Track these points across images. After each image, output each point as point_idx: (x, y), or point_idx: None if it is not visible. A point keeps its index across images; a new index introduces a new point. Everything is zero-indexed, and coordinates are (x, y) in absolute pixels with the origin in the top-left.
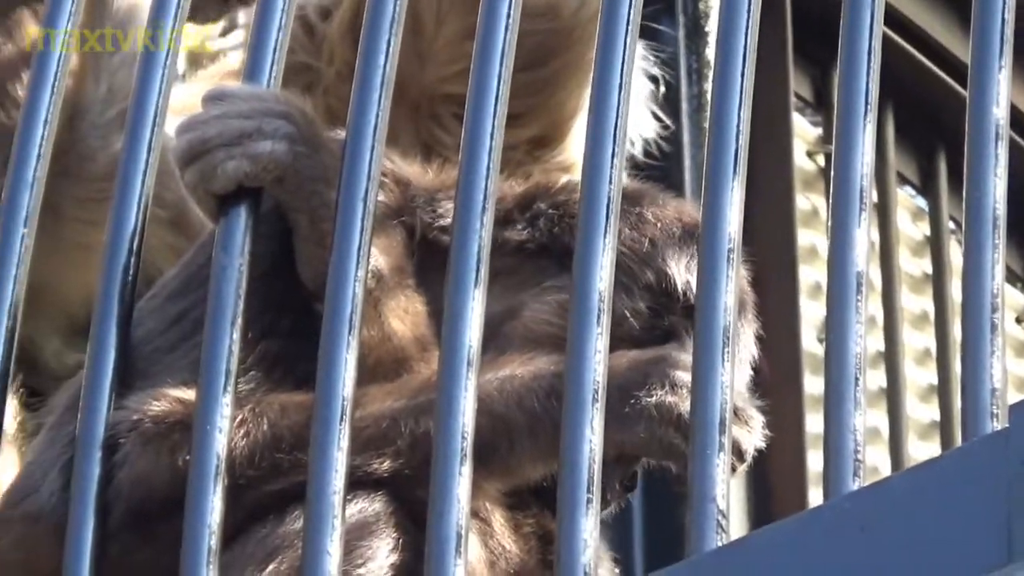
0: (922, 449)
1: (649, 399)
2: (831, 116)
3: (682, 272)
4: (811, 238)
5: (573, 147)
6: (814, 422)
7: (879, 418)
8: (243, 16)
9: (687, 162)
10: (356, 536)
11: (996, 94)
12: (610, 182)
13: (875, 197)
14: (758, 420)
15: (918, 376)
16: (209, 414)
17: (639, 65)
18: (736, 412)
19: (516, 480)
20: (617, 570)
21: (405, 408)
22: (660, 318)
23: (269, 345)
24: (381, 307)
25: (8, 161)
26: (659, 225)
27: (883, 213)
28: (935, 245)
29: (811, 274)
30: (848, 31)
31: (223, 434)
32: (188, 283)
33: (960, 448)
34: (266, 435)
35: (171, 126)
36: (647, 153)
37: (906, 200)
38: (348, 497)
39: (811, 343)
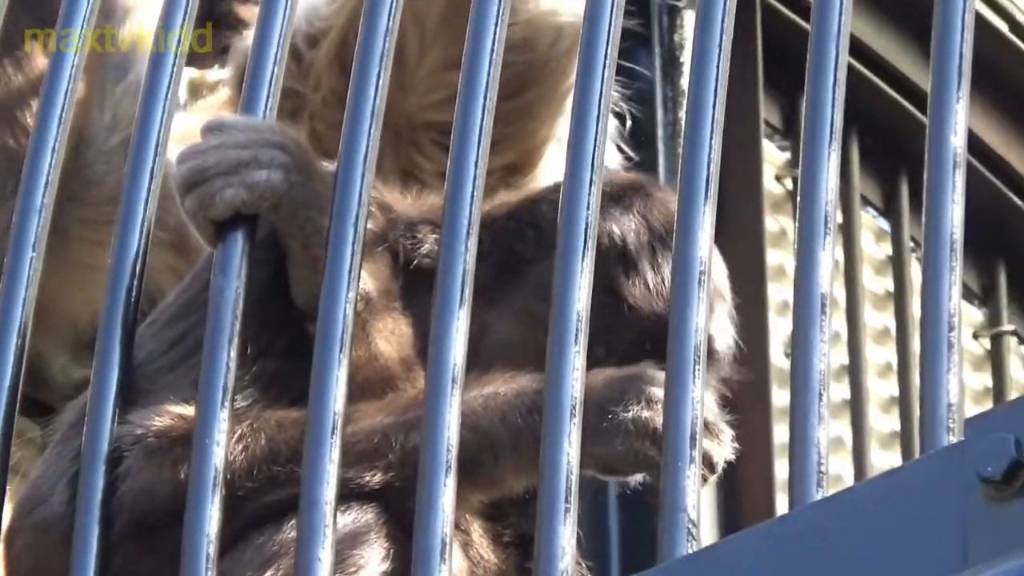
0: (884, 458)
1: (626, 414)
2: (799, 142)
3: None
4: (779, 258)
5: (544, 174)
6: (781, 432)
7: (843, 428)
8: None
9: None
10: (349, 545)
11: (954, 124)
12: (587, 208)
13: (840, 218)
14: (728, 434)
15: (880, 388)
16: (208, 429)
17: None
18: (707, 426)
19: (500, 491)
20: None
21: (395, 424)
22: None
23: (265, 364)
24: (369, 329)
25: (18, 185)
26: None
27: (848, 234)
28: (897, 264)
29: (779, 292)
30: (815, 63)
31: (221, 448)
32: (187, 307)
33: (918, 460)
34: (264, 449)
35: (172, 154)
36: None
37: (870, 221)
38: (341, 508)
39: (779, 358)
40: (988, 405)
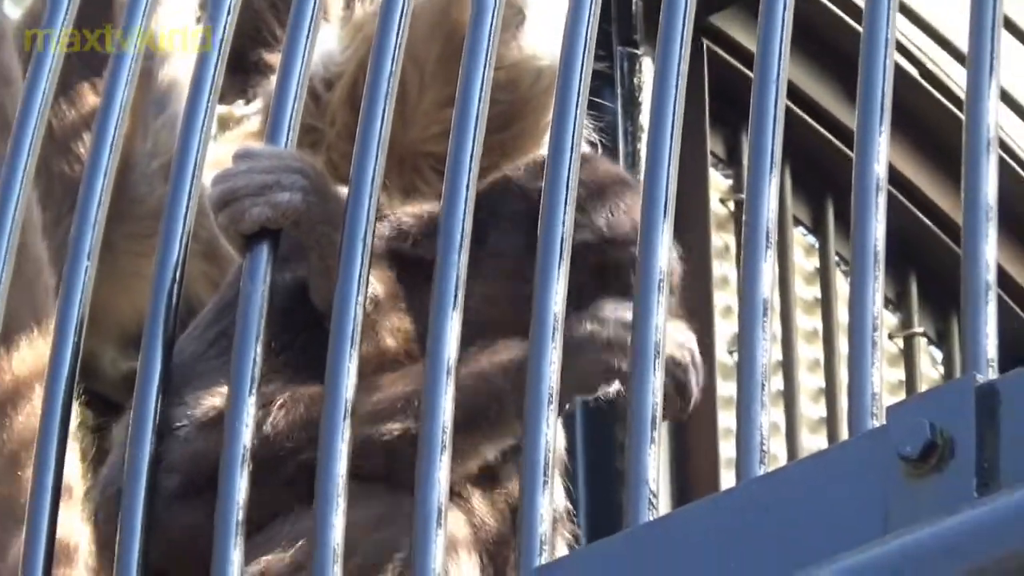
0: (812, 441)
1: (585, 330)
2: (740, 170)
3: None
4: (724, 270)
5: None
6: (725, 418)
7: (778, 415)
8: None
9: None
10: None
11: (877, 153)
12: (563, 224)
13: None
14: (694, 357)
15: (809, 381)
16: (238, 412)
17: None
18: (674, 374)
19: (503, 438)
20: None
21: (413, 391)
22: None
23: (288, 357)
24: (377, 327)
25: (75, 204)
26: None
27: (782, 248)
28: (823, 275)
29: (723, 299)
30: (757, 104)
31: (248, 429)
32: (221, 312)
33: (847, 441)
34: (301, 415)
35: (207, 177)
36: None
37: (800, 238)
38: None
39: (723, 355)
40: (902, 396)
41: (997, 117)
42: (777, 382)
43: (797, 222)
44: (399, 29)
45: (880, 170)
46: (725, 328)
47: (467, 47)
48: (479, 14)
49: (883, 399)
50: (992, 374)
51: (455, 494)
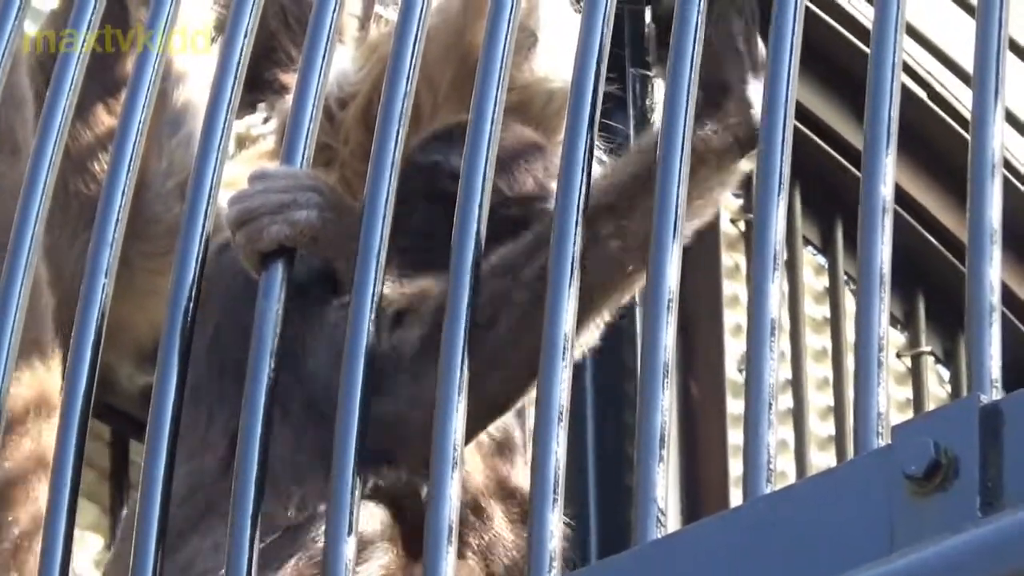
0: (821, 458)
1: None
2: (751, 191)
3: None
4: (733, 288)
5: None
6: (734, 436)
7: (787, 433)
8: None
9: None
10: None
11: (884, 175)
12: (573, 244)
13: (785, 255)
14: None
15: (818, 399)
16: (252, 425)
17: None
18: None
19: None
20: None
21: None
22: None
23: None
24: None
25: (93, 222)
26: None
27: (791, 268)
28: (833, 294)
29: (733, 317)
30: (767, 126)
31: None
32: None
33: (852, 460)
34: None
35: (223, 197)
36: None
37: (810, 258)
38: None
39: (733, 373)
40: (909, 414)
41: (1003, 140)
42: (787, 400)
43: (807, 242)
44: (413, 50)
45: (887, 192)
46: (735, 347)
47: (480, 69)
48: (492, 36)
49: (890, 418)
50: (996, 394)
51: (475, 509)
